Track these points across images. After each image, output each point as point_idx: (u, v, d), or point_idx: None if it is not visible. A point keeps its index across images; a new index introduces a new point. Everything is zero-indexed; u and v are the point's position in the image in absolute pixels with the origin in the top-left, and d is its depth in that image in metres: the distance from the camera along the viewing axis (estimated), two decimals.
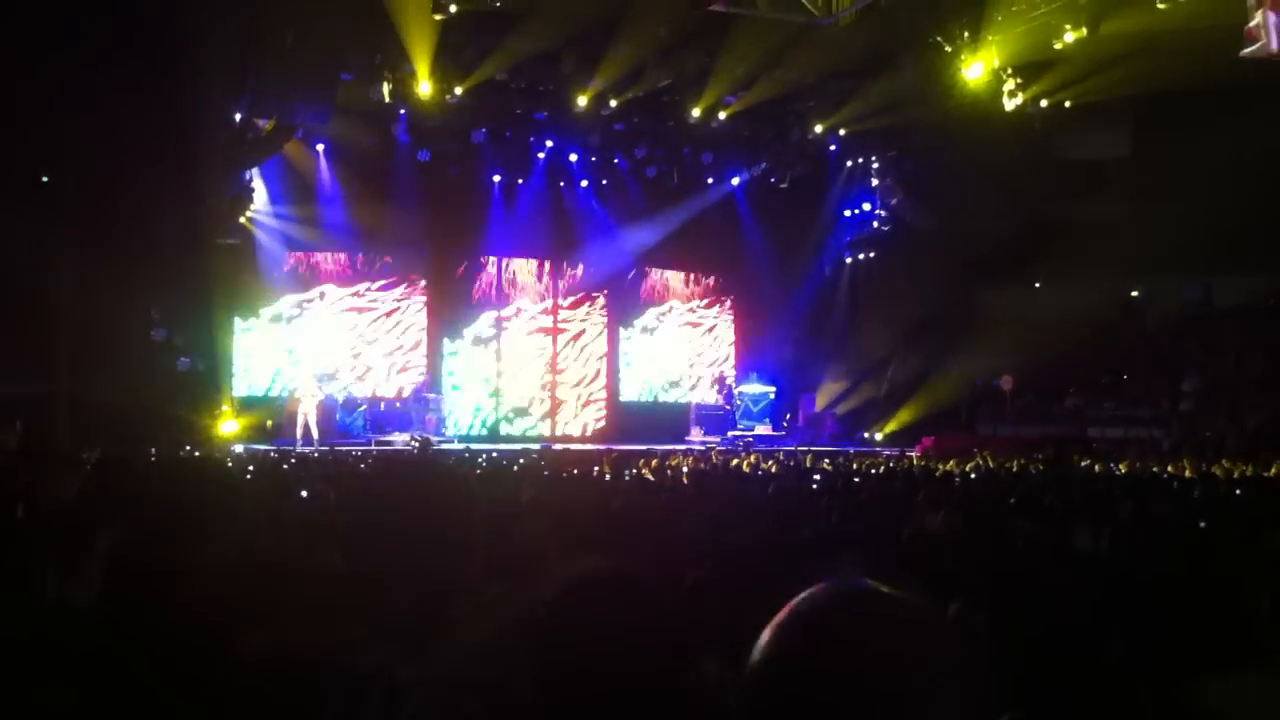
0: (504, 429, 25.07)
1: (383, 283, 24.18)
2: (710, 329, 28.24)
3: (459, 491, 2.55)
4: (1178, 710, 2.68)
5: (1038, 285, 25.02)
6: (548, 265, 26.12)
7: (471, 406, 24.79)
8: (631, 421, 25.20)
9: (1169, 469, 13.54)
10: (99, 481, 4.80)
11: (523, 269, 25.96)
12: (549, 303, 26.12)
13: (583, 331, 26.45)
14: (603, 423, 25.80)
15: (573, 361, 26.28)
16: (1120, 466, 13.80)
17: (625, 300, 27.10)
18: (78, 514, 4.22)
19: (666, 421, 25.49)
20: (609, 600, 2.00)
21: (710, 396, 26.54)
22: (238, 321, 21.63)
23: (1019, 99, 20.72)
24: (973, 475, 11.92)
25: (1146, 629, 3.30)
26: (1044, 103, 21.11)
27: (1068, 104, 21.10)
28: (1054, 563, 4.78)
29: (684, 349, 27.83)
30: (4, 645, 2.68)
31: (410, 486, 2.54)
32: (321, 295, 23.60)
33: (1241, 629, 3.04)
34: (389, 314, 24.18)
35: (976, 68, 20.02)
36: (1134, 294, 25.83)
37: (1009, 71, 20.40)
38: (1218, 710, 2.69)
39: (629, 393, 26.93)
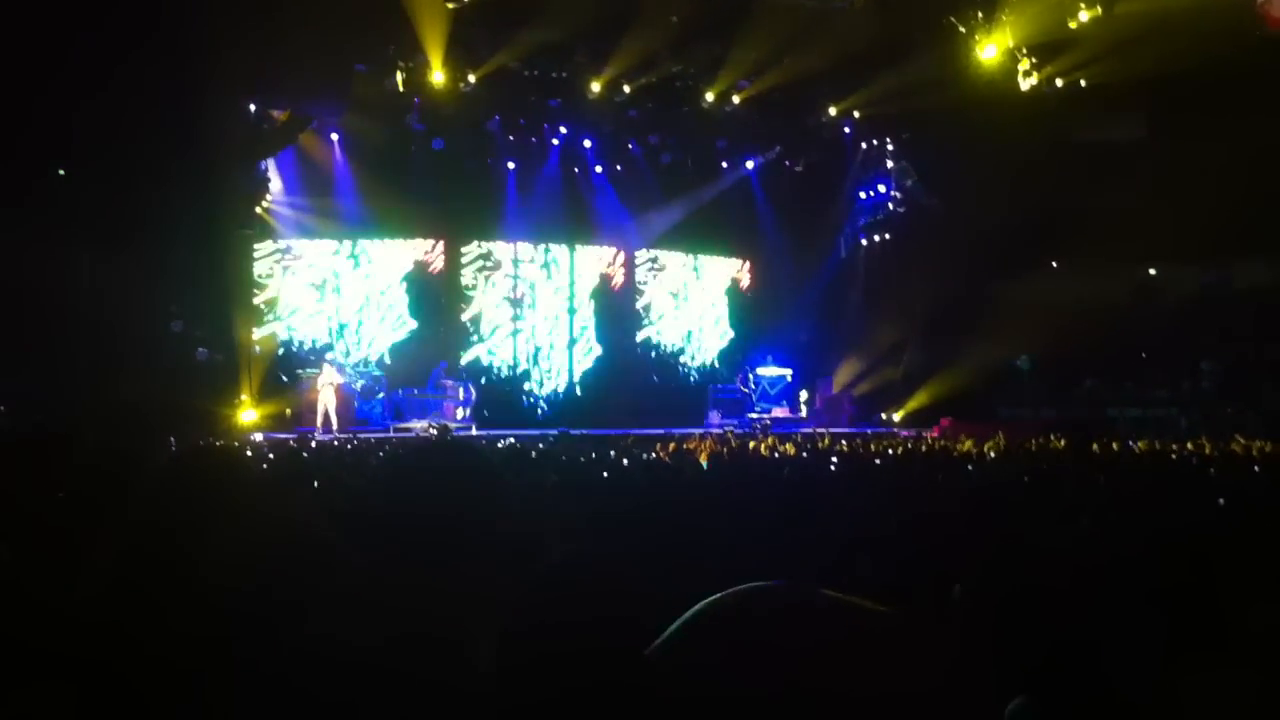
0: (522, 413, 25.09)
1: (402, 268, 24.25)
2: (722, 310, 28.24)
3: (484, 478, 2.57)
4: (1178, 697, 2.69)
5: (1054, 266, 24.92)
6: (563, 251, 26.14)
7: (489, 391, 24.81)
8: (649, 405, 25.19)
9: (1188, 446, 13.51)
10: (110, 473, 4.82)
11: (538, 255, 25.98)
12: (565, 287, 26.15)
13: (598, 314, 26.47)
14: (618, 405, 25.68)
15: (589, 343, 26.33)
16: (1139, 445, 13.76)
17: (640, 283, 27.14)
18: (87, 507, 4.25)
19: (684, 404, 25.53)
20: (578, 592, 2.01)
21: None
22: (254, 310, 21.64)
23: (1034, 79, 20.64)
24: (991, 455, 11.91)
25: (1155, 614, 3.32)
26: (1059, 83, 21.01)
27: (1083, 83, 21.00)
28: (1065, 547, 4.80)
29: (697, 329, 27.87)
30: (6, 643, 2.69)
31: (436, 474, 2.57)
32: (339, 281, 23.68)
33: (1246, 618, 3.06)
34: (405, 300, 24.23)
35: (990, 49, 19.96)
36: (1151, 272, 25.69)
37: (1024, 52, 20.32)
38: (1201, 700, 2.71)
39: (646, 375, 26.96)
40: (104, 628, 2.83)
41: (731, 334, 28.17)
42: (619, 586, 2.05)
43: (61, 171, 17.03)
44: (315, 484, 7.06)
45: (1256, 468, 9.26)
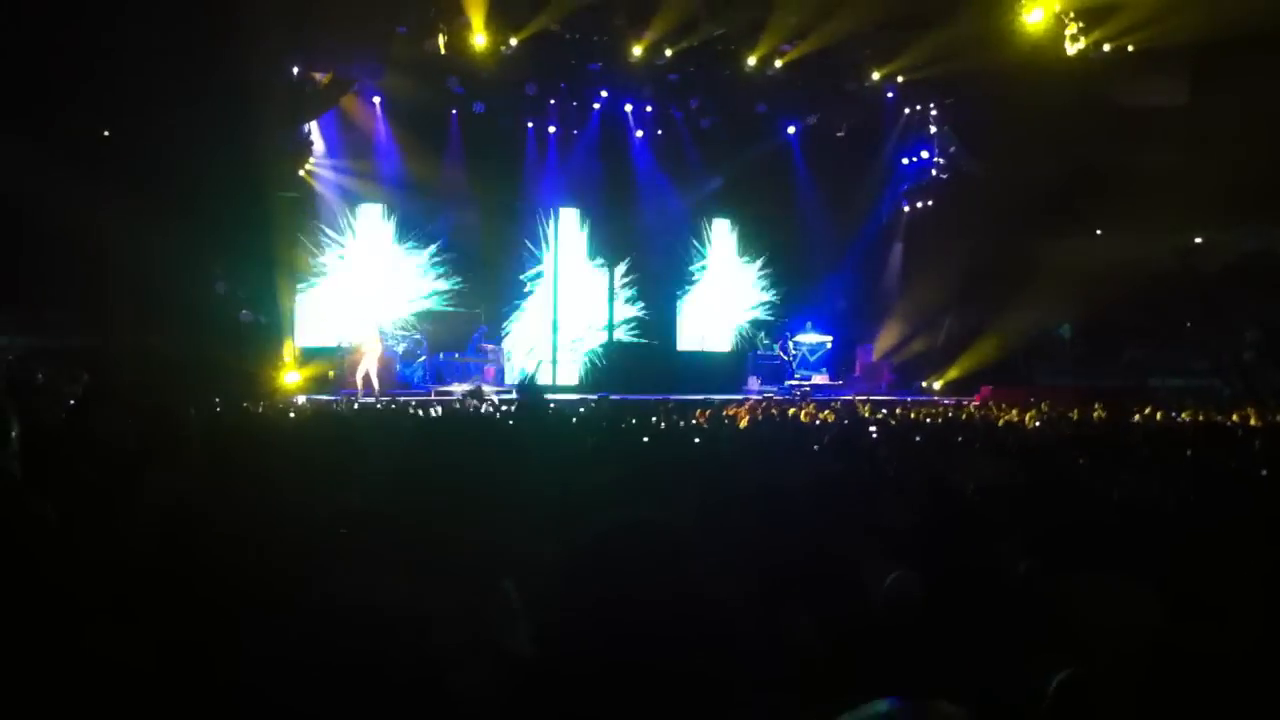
0: (561, 379, 25.10)
1: (442, 232, 24.18)
2: (763, 278, 28.05)
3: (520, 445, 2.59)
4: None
5: (1098, 233, 24.66)
6: (603, 215, 26.00)
7: (529, 357, 24.83)
8: (688, 371, 25.15)
9: (1234, 418, 13.37)
10: (159, 431, 4.87)
11: (577, 219, 25.91)
12: (605, 251, 26.04)
13: (637, 279, 26.37)
14: (658, 370, 25.50)
15: (628, 309, 26.25)
16: (1183, 416, 13.64)
17: (679, 251, 27.03)
18: (138, 462, 4.30)
19: (723, 371, 25.48)
20: (636, 547, 2.02)
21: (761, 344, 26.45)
22: (298, 273, 21.67)
23: (1081, 44, 20.39)
24: (1035, 424, 11.84)
25: (1207, 581, 3.29)
26: (1106, 47, 20.75)
27: (1130, 49, 20.72)
28: (1115, 515, 4.77)
29: (737, 295, 27.76)
30: (62, 591, 2.73)
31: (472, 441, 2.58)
32: (378, 246, 23.70)
33: None
34: (446, 264, 24.18)
35: (1037, 13, 19.71)
36: (1197, 240, 25.36)
37: (1070, 16, 20.07)
38: None
39: (685, 343, 26.90)
40: (153, 574, 2.87)
41: (772, 300, 27.98)
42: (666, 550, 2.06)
43: (106, 133, 17.16)
44: (358, 446, 7.10)
45: None
